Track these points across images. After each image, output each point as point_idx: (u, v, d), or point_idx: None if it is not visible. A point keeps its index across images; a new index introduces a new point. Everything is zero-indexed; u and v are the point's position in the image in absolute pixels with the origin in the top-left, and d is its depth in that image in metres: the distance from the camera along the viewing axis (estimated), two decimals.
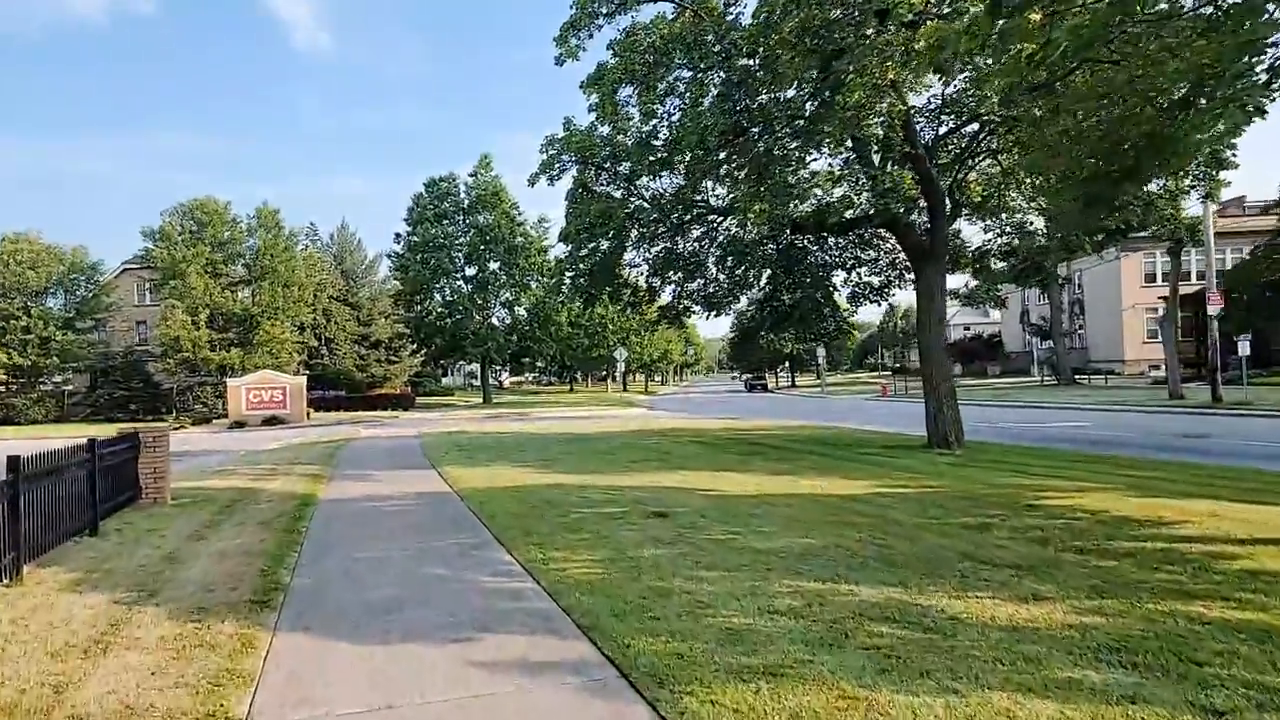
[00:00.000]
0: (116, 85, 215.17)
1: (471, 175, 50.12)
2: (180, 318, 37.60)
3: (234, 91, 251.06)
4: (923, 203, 14.47)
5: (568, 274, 16.29)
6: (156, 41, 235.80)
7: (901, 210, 13.26)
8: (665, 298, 18.75)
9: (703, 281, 17.20)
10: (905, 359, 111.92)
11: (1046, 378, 50.09)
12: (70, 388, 44.96)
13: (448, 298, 50.71)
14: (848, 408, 35.02)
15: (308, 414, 37.61)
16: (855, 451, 13.94)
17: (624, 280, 17.66)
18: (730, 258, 15.51)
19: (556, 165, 16.10)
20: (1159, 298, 45.74)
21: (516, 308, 51.69)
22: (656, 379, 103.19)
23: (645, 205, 15.58)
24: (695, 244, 17.31)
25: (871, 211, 13.71)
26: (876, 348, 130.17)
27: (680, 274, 17.67)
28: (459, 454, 16.31)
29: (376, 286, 61.63)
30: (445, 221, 49.06)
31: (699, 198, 15.11)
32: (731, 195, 14.79)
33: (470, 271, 50.55)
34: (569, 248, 16.57)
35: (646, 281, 18.15)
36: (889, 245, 17.24)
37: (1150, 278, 54.64)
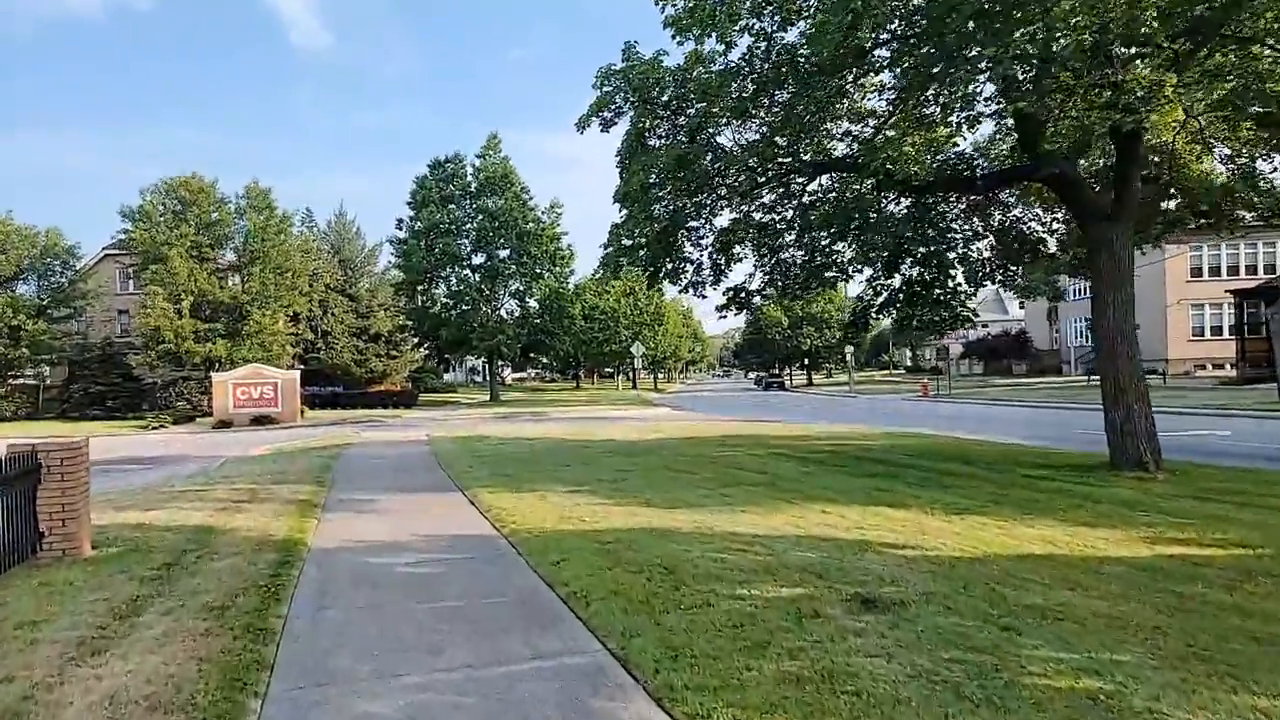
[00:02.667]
0: (113, 81, 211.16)
1: (479, 156, 46.69)
2: (161, 305, 34.15)
3: (232, 89, 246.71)
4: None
5: (625, 241, 12.93)
6: (153, 38, 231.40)
7: (1066, 150, 9.94)
8: (733, 277, 15.47)
9: (803, 255, 13.83)
10: (919, 357, 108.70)
11: (1093, 378, 46.78)
12: (47, 381, 41.62)
13: (453, 287, 47.30)
14: (904, 409, 31.80)
15: (301, 412, 34.25)
16: (1018, 475, 10.61)
17: (683, 254, 14.33)
18: (835, 224, 12.05)
19: (611, 107, 12.76)
20: (1226, 291, 42.53)
21: (528, 299, 48.26)
22: (661, 376, 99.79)
23: (718, 159, 12.21)
24: (772, 210, 14.00)
25: (1028, 158, 10.37)
26: (888, 345, 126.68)
27: (761, 248, 14.37)
28: (486, 468, 12.99)
29: (377, 277, 58.32)
30: (451, 205, 45.62)
31: (801, 145, 11.70)
32: (851, 139, 11.50)
33: (478, 260, 47.14)
34: (626, 212, 13.21)
35: (711, 258, 14.82)
36: (1016, 213, 13.93)
37: (1197, 272, 51.77)
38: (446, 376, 71.95)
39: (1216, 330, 51.85)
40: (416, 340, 50.93)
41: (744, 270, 14.71)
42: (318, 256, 48.51)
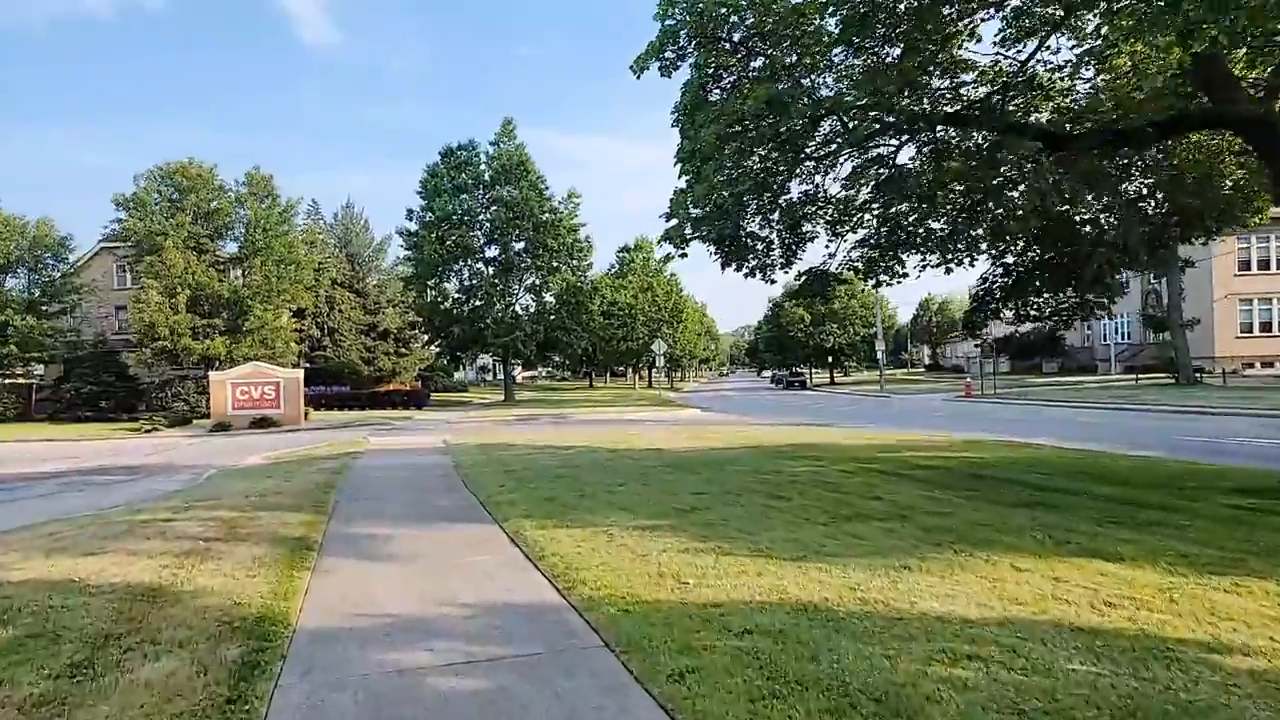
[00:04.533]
0: (123, 79, 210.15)
1: (493, 144, 44.33)
2: (156, 299, 31.95)
3: (242, 86, 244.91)
4: None
5: (695, 210, 10.54)
6: (163, 36, 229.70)
7: None
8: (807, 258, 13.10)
9: (882, 225, 11.48)
10: (939, 355, 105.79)
11: (1142, 376, 44.11)
12: (40, 380, 39.57)
13: (466, 282, 44.95)
14: (959, 412, 29.35)
15: (305, 414, 32.02)
16: (1224, 505, 8.19)
17: (762, 228, 11.98)
18: (973, 185, 9.62)
19: (674, 45, 10.42)
20: None
21: (544, 293, 45.84)
22: (675, 374, 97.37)
23: (819, 104, 9.81)
24: (874, 169, 11.63)
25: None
26: (907, 344, 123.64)
27: (843, 221, 12.04)
28: (521, 487, 10.66)
29: (385, 273, 56.17)
30: (464, 195, 43.28)
31: (925, 81, 9.28)
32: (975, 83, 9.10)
33: (492, 252, 44.82)
34: (687, 178, 10.83)
35: (781, 236, 12.46)
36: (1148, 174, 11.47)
37: (1245, 265, 49.20)
38: (456, 375, 69.79)
39: (1266, 326, 49.41)
40: (427, 338, 48.71)
41: (818, 250, 12.23)
42: (324, 250, 46.41)
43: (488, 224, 43.84)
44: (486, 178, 44.01)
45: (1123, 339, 60.13)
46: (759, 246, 11.99)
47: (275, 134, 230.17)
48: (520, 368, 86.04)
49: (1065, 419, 23.38)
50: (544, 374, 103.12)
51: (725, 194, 9.80)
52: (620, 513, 8.51)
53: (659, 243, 11.02)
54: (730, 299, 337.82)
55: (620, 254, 67.17)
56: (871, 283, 13.14)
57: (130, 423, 31.78)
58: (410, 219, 44.79)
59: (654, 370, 57.98)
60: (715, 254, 11.47)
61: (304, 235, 40.76)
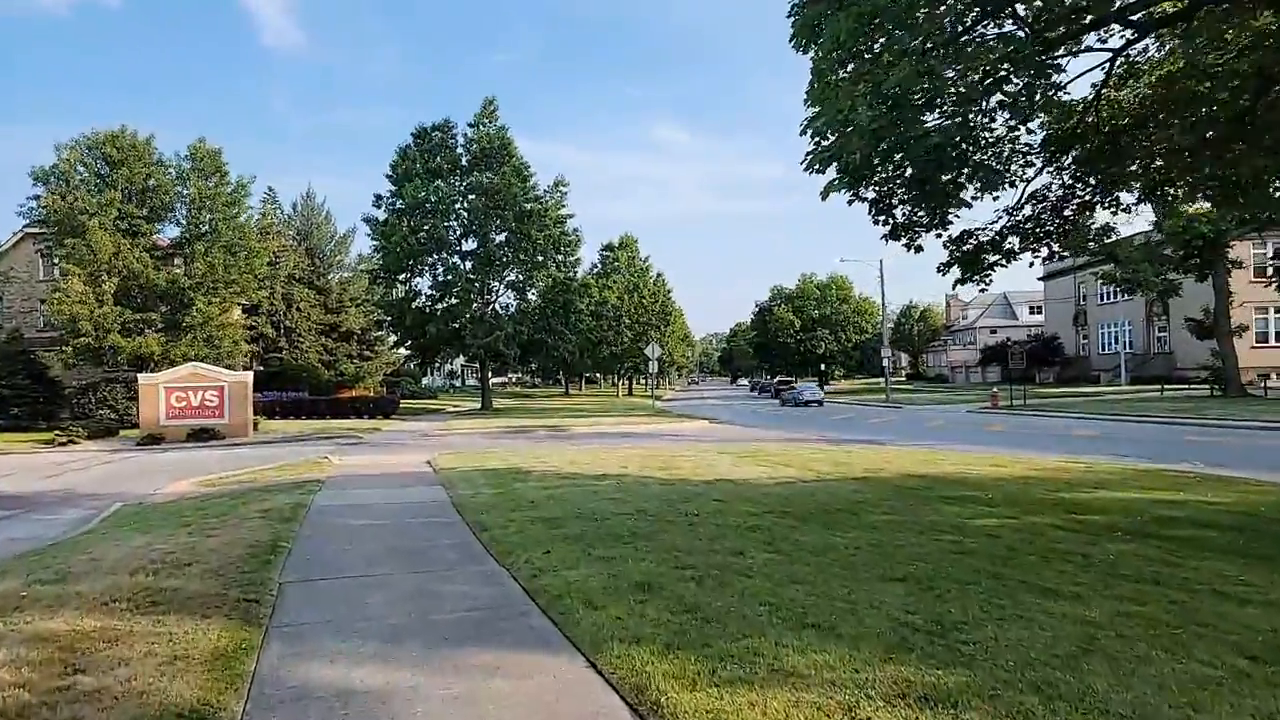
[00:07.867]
0: (80, 82, 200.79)
1: (471, 125, 40.12)
2: (78, 289, 27.16)
3: (206, 90, 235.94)
4: None
5: (863, 111, 6.49)
6: (122, 36, 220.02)
7: None
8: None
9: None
10: (921, 364, 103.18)
11: (1168, 387, 41.45)
12: None
13: (441, 277, 40.57)
14: (1020, 426, 26.02)
15: (255, 424, 27.44)
16: None
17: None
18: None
19: None
20: None
21: (528, 290, 41.61)
22: (653, 381, 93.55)
23: None
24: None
25: None
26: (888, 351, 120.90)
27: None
28: (585, 558, 6.63)
29: (350, 269, 51.56)
30: (439, 181, 39.00)
31: None
32: None
33: (469, 245, 40.53)
34: (837, 77, 6.99)
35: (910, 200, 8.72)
36: None
37: (1261, 271, 46.96)
38: (424, 381, 65.02)
39: None
40: (396, 339, 44.22)
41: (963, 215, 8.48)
42: (280, 240, 41.74)
43: (465, 213, 39.60)
44: (464, 162, 39.80)
45: (1129, 348, 57.88)
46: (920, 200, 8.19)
47: (242, 138, 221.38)
48: (491, 373, 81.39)
49: (1159, 437, 20.00)
50: (513, 380, 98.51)
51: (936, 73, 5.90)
52: (808, 632, 4.58)
53: (806, 168, 7.12)
54: (695, 308, 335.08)
55: (603, 252, 63.27)
56: (1043, 254, 9.45)
57: (47, 433, 26.95)
58: (378, 205, 40.37)
59: (639, 377, 54.05)
60: (901, 191, 7.63)
61: (258, 221, 36.11)
